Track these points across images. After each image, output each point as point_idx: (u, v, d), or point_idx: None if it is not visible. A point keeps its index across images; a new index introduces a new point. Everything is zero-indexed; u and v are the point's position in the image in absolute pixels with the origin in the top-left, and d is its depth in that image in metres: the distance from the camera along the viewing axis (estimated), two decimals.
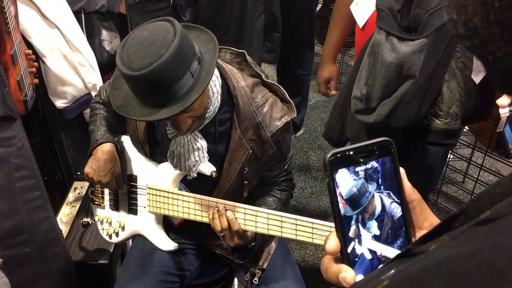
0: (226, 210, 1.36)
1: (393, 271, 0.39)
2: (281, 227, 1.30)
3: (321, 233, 1.24)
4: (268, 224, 1.32)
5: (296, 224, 1.28)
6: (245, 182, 1.49)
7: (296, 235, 1.29)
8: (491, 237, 0.32)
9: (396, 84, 1.49)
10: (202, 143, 1.42)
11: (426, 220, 0.57)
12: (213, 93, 1.35)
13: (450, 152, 2.93)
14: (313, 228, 1.25)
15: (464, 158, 3.18)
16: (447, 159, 2.96)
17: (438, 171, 1.96)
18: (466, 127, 2.70)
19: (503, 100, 1.41)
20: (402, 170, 0.57)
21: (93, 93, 2.22)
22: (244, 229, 1.37)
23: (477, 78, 1.54)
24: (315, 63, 4.71)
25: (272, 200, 1.57)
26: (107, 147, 1.50)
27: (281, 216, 1.30)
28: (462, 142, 3.10)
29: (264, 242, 1.57)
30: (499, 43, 0.33)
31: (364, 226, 0.55)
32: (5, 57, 1.70)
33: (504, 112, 1.59)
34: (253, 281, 1.58)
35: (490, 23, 0.33)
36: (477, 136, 2.68)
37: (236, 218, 1.35)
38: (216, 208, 1.37)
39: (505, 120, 1.74)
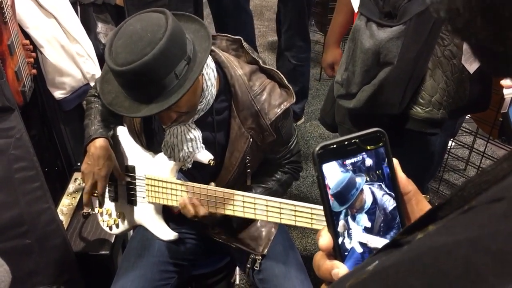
0: (190, 198, 1.42)
1: (376, 262, 0.38)
2: (280, 213, 1.30)
3: (320, 218, 1.23)
4: (267, 211, 1.32)
5: (295, 210, 1.27)
6: (248, 170, 1.49)
7: (295, 221, 1.28)
8: (470, 230, 0.31)
9: (375, 71, 1.49)
10: (196, 134, 1.41)
11: (423, 211, 0.56)
12: (207, 86, 1.34)
13: (452, 140, 2.91)
14: (312, 213, 1.25)
15: (466, 146, 3.17)
16: (449, 147, 2.95)
17: (437, 160, 1.95)
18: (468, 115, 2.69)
19: (507, 81, 1.39)
20: (395, 161, 0.55)
21: (92, 84, 2.21)
22: (243, 217, 1.37)
23: (471, 67, 1.52)
24: (316, 51, 4.69)
25: (270, 180, 1.57)
26: (99, 142, 1.49)
27: (280, 203, 1.30)
28: (464, 129, 3.08)
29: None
30: (481, 26, 0.34)
31: (354, 219, 0.53)
32: (2, 48, 1.69)
33: (508, 93, 1.57)
34: (254, 267, 1.58)
35: (471, 7, 0.33)
36: (479, 123, 2.67)
37: (208, 205, 1.40)
38: (182, 200, 1.43)
39: (509, 101, 1.72)
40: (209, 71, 1.34)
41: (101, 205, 1.55)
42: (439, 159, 1.97)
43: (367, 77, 1.51)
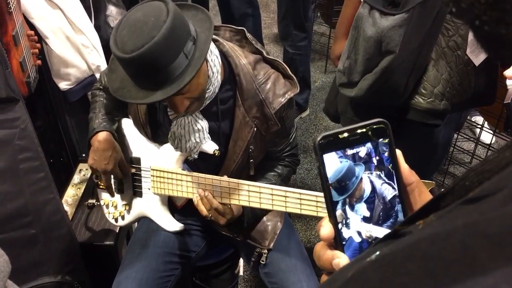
0: (204, 191, 1.40)
1: (378, 252, 0.37)
2: (285, 202, 1.30)
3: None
4: (272, 199, 1.32)
5: (300, 199, 1.28)
6: (251, 160, 1.49)
7: (301, 209, 1.28)
8: (469, 217, 0.31)
9: (377, 60, 1.48)
10: (203, 124, 1.41)
11: (425, 202, 0.56)
12: (213, 73, 1.33)
13: (457, 132, 2.90)
14: (317, 201, 1.25)
15: (471, 139, 3.15)
16: (454, 140, 2.93)
17: (441, 153, 1.93)
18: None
19: (510, 71, 1.38)
20: (398, 152, 0.54)
21: (97, 75, 2.20)
22: (249, 206, 1.38)
23: (477, 59, 1.51)
24: (322, 43, 4.67)
25: (272, 175, 1.57)
26: (102, 135, 1.49)
27: (285, 191, 1.30)
28: (469, 122, 3.07)
29: (256, 217, 1.57)
30: (485, 7, 0.33)
31: (353, 209, 0.53)
32: (6, 38, 1.69)
33: (510, 83, 1.56)
34: (260, 261, 1.58)
35: None
36: (485, 116, 2.66)
37: (214, 195, 1.39)
38: (199, 194, 1.40)
39: None
40: (214, 58, 1.34)
41: (113, 195, 1.59)
42: (443, 152, 1.96)
43: (369, 66, 1.50)
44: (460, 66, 1.52)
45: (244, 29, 1.49)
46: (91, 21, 2.27)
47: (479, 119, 3.07)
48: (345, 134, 0.51)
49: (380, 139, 0.52)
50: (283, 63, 1.45)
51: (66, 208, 1.91)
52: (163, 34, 1.13)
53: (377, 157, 0.53)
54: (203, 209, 1.40)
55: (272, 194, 1.32)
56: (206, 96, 1.36)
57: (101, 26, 2.29)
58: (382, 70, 1.48)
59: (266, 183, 1.49)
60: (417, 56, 1.48)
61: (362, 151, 0.52)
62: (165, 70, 1.16)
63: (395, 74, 1.48)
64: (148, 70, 1.17)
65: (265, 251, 1.59)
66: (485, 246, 0.27)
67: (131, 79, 1.24)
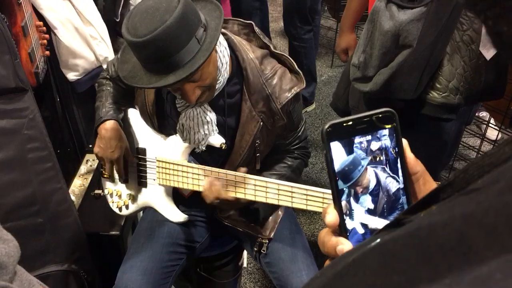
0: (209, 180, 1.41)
1: (378, 240, 0.38)
2: (292, 197, 1.31)
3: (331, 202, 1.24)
4: (278, 194, 1.33)
5: (307, 195, 1.28)
6: (257, 154, 1.50)
7: (307, 205, 1.29)
8: (467, 207, 0.32)
9: (393, 54, 1.46)
10: (212, 116, 1.42)
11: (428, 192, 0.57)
12: (222, 64, 1.35)
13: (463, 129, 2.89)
14: (324, 198, 1.26)
15: (477, 135, 3.14)
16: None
17: (451, 149, 1.93)
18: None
19: None
20: (405, 142, 0.55)
21: (105, 66, 2.22)
22: (255, 200, 1.38)
23: (488, 53, 1.50)
24: (328, 37, 4.66)
25: (282, 167, 1.57)
26: (110, 124, 1.51)
27: (291, 187, 1.31)
28: (476, 118, 3.06)
29: (268, 207, 1.58)
30: (489, 1, 0.34)
31: (357, 200, 0.54)
32: (16, 29, 1.70)
33: None
34: (261, 250, 1.60)
35: None
36: (491, 112, 2.65)
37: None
38: (208, 182, 1.41)
39: None
40: (223, 49, 1.36)
41: (125, 181, 1.63)
42: (453, 147, 1.95)
43: (384, 60, 1.49)
44: (474, 61, 1.51)
45: (252, 23, 1.50)
46: (119, 8, 2.28)
47: (485, 115, 3.06)
48: (353, 123, 0.52)
49: (387, 128, 0.53)
50: (290, 58, 1.46)
51: (73, 198, 1.93)
52: (175, 18, 1.14)
53: (384, 145, 0.54)
54: (208, 196, 1.42)
55: (278, 190, 1.33)
56: (216, 87, 1.37)
57: (125, 15, 2.29)
58: (398, 65, 1.46)
59: (275, 175, 1.50)
60: (432, 50, 1.46)
61: (369, 139, 0.53)
62: (178, 54, 1.18)
63: (410, 69, 1.47)
64: (161, 53, 1.17)
65: (266, 240, 1.60)
66: (481, 236, 0.28)
67: (143, 65, 1.24)
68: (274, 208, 1.62)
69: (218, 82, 1.36)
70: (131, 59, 1.28)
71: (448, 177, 2.98)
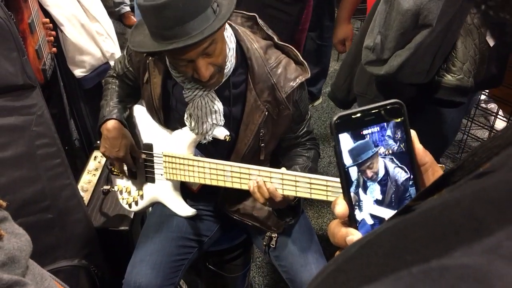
0: (265, 182, 1.34)
1: (390, 224, 0.39)
2: (296, 186, 1.31)
3: (335, 190, 1.24)
4: (282, 184, 1.33)
5: (310, 183, 1.28)
6: (262, 145, 1.50)
7: (311, 193, 1.29)
8: (477, 186, 0.32)
9: (411, 35, 1.42)
10: (219, 106, 1.42)
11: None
12: (229, 49, 1.36)
13: (471, 120, 2.88)
14: (327, 186, 1.25)
15: (486, 127, 3.13)
16: (468, 128, 2.91)
17: (451, 138, 1.91)
18: (484, 92, 2.64)
19: None
20: (413, 132, 0.55)
21: (111, 62, 2.22)
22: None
23: (491, 40, 1.49)
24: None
25: (302, 160, 1.56)
26: (111, 124, 1.52)
27: (295, 176, 1.30)
28: (484, 110, 3.04)
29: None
30: None
31: (365, 191, 0.54)
32: (23, 26, 1.71)
33: None
34: (270, 245, 1.60)
35: None
36: (500, 103, 2.63)
37: (276, 188, 1.34)
38: (256, 182, 1.35)
39: None
40: (229, 35, 1.37)
41: (134, 177, 1.64)
42: (451, 136, 1.92)
43: (402, 41, 1.44)
44: (482, 44, 1.49)
45: (256, 15, 1.50)
46: None
47: (493, 106, 3.04)
48: (361, 114, 0.53)
49: (395, 119, 0.54)
50: (294, 49, 1.45)
51: (82, 193, 1.94)
52: None
53: (392, 137, 0.54)
54: (260, 198, 1.36)
55: (282, 179, 1.33)
56: (225, 71, 1.37)
57: None
58: (416, 46, 1.42)
59: (300, 167, 1.49)
60: (446, 31, 1.43)
61: (377, 130, 0.53)
62: (196, 19, 1.18)
63: (425, 50, 1.44)
64: (180, 15, 1.17)
65: (275, 234, 1.60)
66: (491, 211, 0.29)
67: (158, 35, 1.24)
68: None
69: (226, 66, 1.36)
70: (143, 31, 1.29)
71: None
